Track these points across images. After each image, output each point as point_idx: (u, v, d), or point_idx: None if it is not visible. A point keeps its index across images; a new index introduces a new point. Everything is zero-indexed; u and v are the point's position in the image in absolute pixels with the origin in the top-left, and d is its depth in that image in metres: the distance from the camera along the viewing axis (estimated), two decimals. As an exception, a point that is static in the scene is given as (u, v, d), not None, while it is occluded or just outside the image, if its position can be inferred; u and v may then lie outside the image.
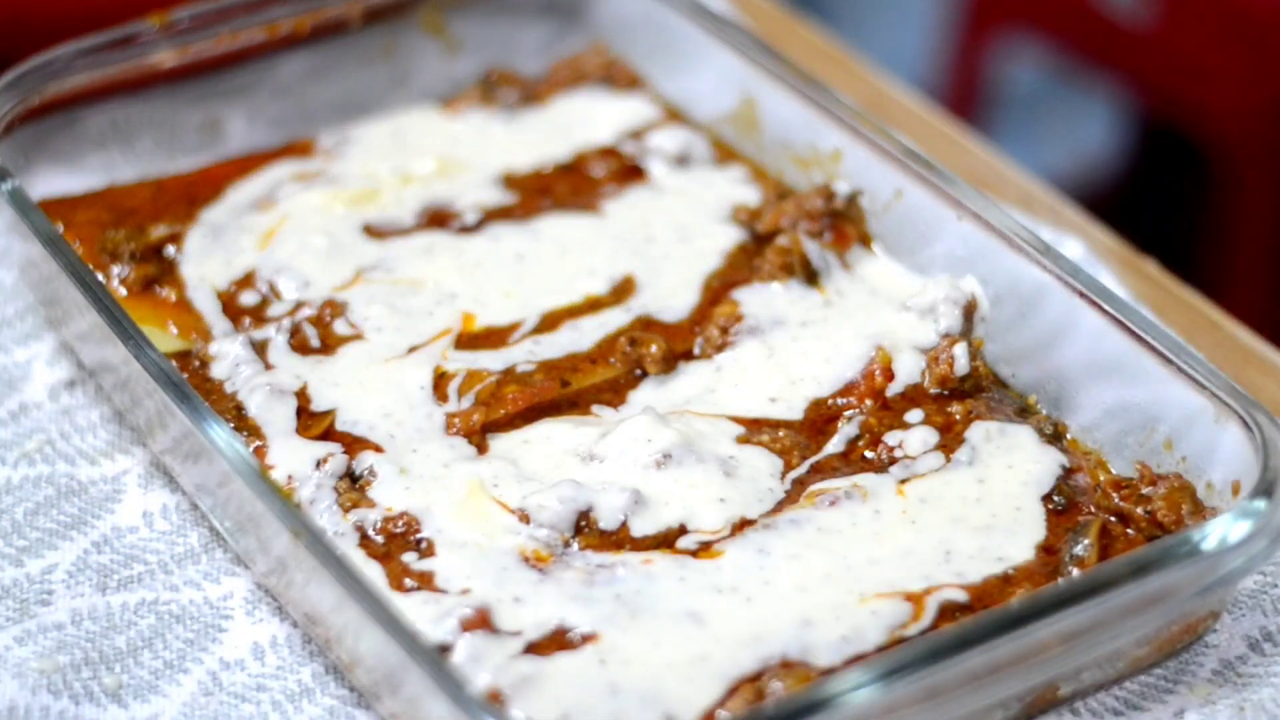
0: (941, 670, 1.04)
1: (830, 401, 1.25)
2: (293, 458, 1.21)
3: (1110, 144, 2.95)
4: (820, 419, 1.25)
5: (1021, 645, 1.06)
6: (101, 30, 1.41)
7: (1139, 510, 1.18)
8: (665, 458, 1.20)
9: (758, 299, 1.32)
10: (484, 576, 1.14)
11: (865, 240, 1.37)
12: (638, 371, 1.28)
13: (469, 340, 1.30)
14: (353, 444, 1.22)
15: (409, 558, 1.15)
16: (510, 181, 1.43)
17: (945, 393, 1.26)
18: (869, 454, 1.22)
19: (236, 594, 1.20)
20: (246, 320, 1.31)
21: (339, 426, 1.24)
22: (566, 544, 1.16)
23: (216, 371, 1.27)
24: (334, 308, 1.32)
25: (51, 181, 1.42)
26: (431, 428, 1.24)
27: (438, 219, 1.39)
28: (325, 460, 1.20)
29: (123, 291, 1.34)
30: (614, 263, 1.36)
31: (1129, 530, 1.18)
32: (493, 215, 1.40)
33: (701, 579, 1.13)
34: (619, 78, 1.52)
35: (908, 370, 1.27)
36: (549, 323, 1.31)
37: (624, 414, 1.24)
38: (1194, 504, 1.17)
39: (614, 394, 1.27)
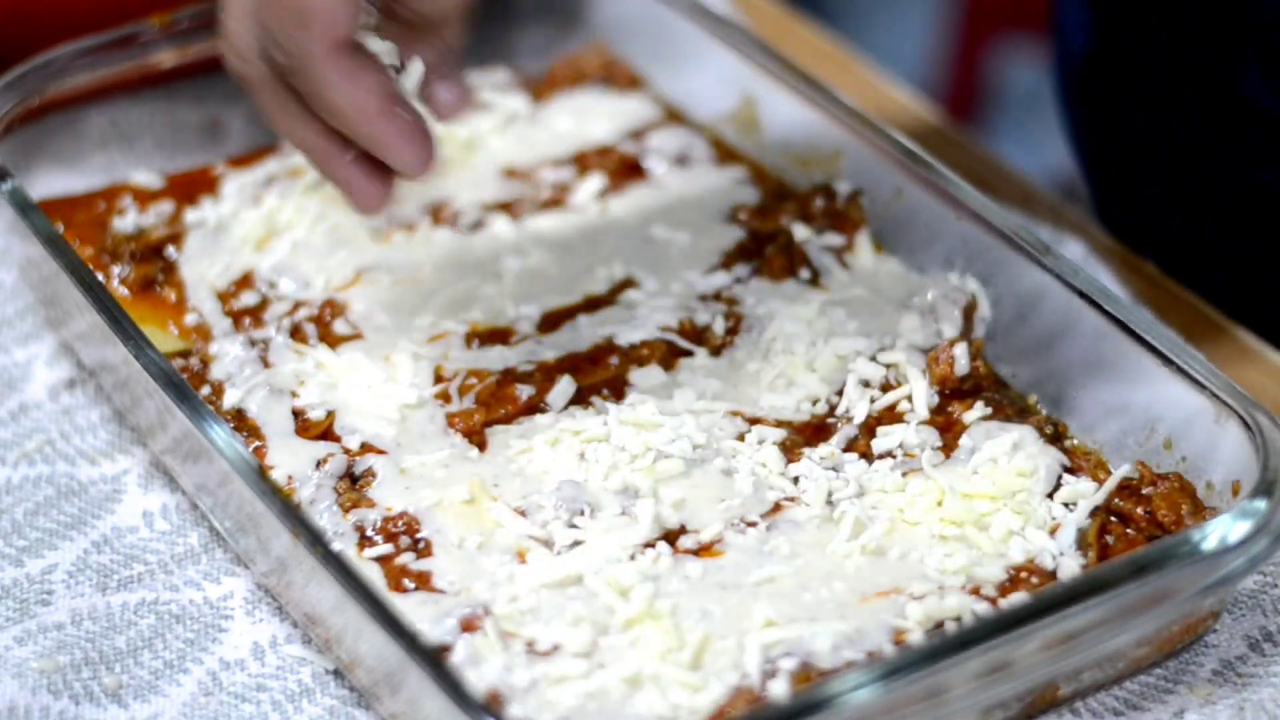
0: (941, 670, 1.04)
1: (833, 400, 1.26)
2: (292, 458, 1.21)
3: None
4: (820, 419, 1.25)
5: (1021, 645, 1.06)
6: (101, 30, 1.41)
7: (1139, 510, 1.18)
8: (665, 458, 1.20)
9: (758, 299, 1.32)
10: (484, 576, 1.14)
11: (865, 240, 1.36)
12: (637, 371, 1.28)
13: (470, 340, 1.30)
14: (353, 444, 1.22)
15: (408, 558, 1.15)
16: (510, 181, 1.43)
17: (945, 392, 1.26)
18: (869, 454, 1.22)
19: (236, 594, 1.20)
20: (246, 320, 1.31)
21: (339, 427, 1.24)
22: (573, 544, 1.16)
23: (216, 371, 1.27)
24: (334, 308, 1.32)
25: (51, 181, 1.42)
26: (432, 428, 1.24)
27: (438, 218, 1.39)
28: (325, 460, 1.20)
29: (123, 291, 1.34)
30: (614, 263, 1.36)
31: (1129, 530, 1.18)
32: (492, 214, 1.40)
33: (702, 579, 1.13)
34: (619, 78, 1.52)
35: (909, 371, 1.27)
36: (549, 322, 1.31)
37: (624, 413, 1.24)
38: (1194, 504, 1.17)
39: (614, 393, 1.26)
